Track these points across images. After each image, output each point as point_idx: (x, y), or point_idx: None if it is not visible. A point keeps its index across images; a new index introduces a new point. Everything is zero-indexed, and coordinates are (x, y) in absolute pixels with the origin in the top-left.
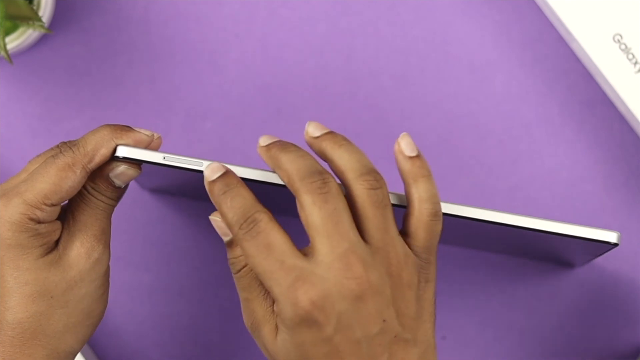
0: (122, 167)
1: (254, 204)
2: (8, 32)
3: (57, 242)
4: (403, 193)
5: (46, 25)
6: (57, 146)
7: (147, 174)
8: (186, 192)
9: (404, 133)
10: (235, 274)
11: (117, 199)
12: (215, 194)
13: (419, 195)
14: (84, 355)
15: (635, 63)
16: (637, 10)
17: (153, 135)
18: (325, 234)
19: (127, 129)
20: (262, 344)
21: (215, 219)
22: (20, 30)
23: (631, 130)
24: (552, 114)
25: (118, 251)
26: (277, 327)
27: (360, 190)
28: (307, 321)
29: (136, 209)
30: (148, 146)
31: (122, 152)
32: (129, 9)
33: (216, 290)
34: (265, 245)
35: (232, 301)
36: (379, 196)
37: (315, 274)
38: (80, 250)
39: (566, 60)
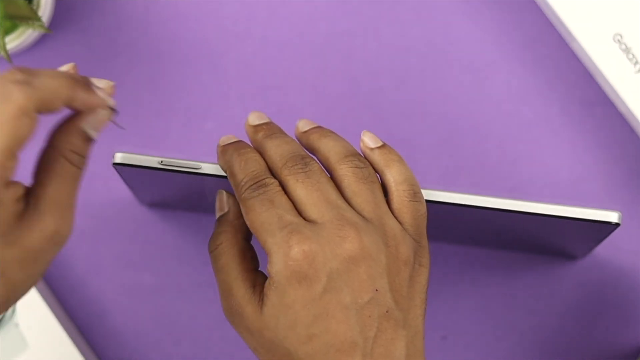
0: (96, 113)
1: (266, 170)
2: (8, 32)
3: (20, 213)
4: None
5: (46, 25)
6: (11, 71)
7: (144, 180)
8: (183, 200)
9: (364, 130)
10: (213, 251)
11: (88, 158)
12: (228, 153)
13: (394, 179)
14: (84, 355)
15: (635, 63)
16: (637, 10)
17: (112, 91)
18: (312, 203)
19: (86, 88)
20: (245, 327)
21: (221, 191)
22: (20, 30)
23: (631, 130)
24: (552, 114)
25: (118, 251)
26: (261, 301)
27: (345, 169)
28: (297, 274)
29: (135, 222)
30: (109, 118)
31: (119, 158)
32: (129, 9)
33: (216, 291)
34: (268, 201)
35: None
36: (364, 173)
37: (310, 230)
38: (45, 234)
39: (566, 60)
